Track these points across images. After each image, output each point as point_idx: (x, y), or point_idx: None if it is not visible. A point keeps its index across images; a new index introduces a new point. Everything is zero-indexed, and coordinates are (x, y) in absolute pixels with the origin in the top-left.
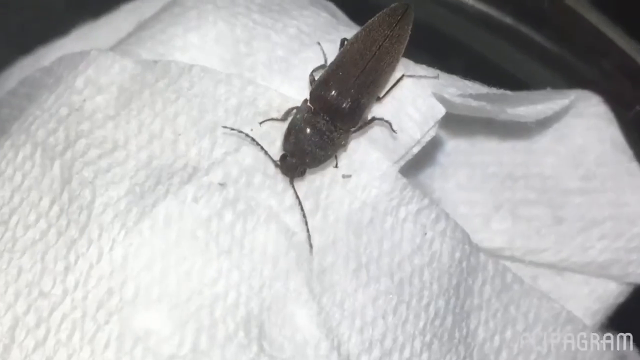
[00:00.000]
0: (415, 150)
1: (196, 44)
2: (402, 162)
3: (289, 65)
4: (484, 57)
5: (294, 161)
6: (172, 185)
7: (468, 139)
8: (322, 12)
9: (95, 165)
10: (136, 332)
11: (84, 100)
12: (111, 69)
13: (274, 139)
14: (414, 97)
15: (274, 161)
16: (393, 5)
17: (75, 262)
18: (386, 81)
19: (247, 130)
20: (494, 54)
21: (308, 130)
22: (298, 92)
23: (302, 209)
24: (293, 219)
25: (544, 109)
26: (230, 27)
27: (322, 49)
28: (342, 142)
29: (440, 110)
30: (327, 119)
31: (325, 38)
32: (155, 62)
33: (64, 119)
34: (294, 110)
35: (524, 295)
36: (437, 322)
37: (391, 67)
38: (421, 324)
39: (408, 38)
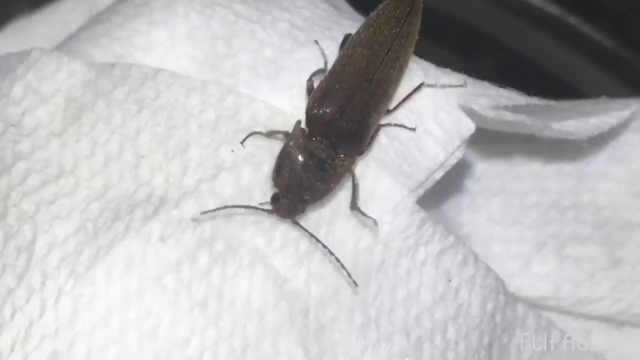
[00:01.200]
0: (438, 175)
1: (163, 42)
2: (421, 191)
3: (279, 68)
4: (522, 55)
5: (290, 200)
6: (133, 221)
7: (503, 160)
8: (320, 1)
9: (36, 196)
10: None
11: (23, 114)
12: (57, 73)
13: (261, 162)
14: (436, 110)
15: (263, 210)
16: None
17: (12, 317)
18: (395, 92)
19: (227, 150)
20: (534, 51)
21: (305, 160)
22: (291, 103)
23: (327, 248)
24: (284, 263)
25: (599, 123)
26: (206, 20)
27: (320, 49)
28: (347, 171)
29: (469, 127)
30: (327, 144)
31: (325, 35)
32: (112, 65)
33: None
34: (285, 134)
35: (573, 357)
36: None
37: (402, 73)
38: None
39: (417, 35)
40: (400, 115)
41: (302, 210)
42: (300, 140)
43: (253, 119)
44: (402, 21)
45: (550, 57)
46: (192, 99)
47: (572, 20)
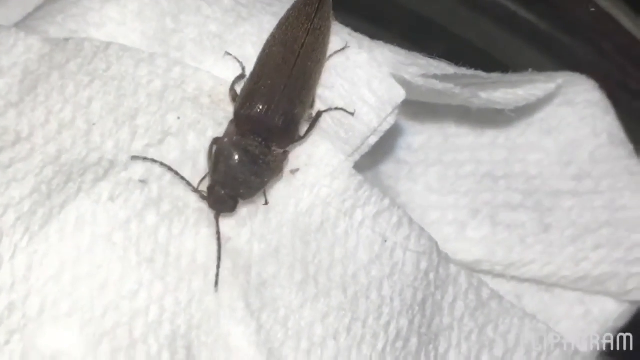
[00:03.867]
0: (372, 140)
1: (115, 19)
2: (358, 156)
3: (223, 42)
4: (461, 37)
5: (223, 193)
6: (84, 182)
7: (440, 133)
8: None
9: None
10: (42, 353)
11: None
12: (14, 48)
13: (205, 128)
14: (369, 78)
15: (197, 191)
16: None
17: None
18: (318, 81)
19: (173, 117)
20: (472, 34)
21: (239, 156)
22: (234, 74)
23: (219, 247)
24: (228, 223)
25: (525, 94)
26: None
27: (261, 23)
28: (280, 165)
29: (400, 93)
30: (260, 140)
31: (267, 10)
32: (67, 40)
33: None
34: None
35: (503, 313)
36: (399, 344)
37: (320, 65)
38: (380, 345)
39: (331, 26)
40: (336, 85)
41: (233, 209)
42: (234, 137)
43: (198, 89)
44: (313, 16)
45: (487, 39)
46: (140, 70)
47: (509, 3)
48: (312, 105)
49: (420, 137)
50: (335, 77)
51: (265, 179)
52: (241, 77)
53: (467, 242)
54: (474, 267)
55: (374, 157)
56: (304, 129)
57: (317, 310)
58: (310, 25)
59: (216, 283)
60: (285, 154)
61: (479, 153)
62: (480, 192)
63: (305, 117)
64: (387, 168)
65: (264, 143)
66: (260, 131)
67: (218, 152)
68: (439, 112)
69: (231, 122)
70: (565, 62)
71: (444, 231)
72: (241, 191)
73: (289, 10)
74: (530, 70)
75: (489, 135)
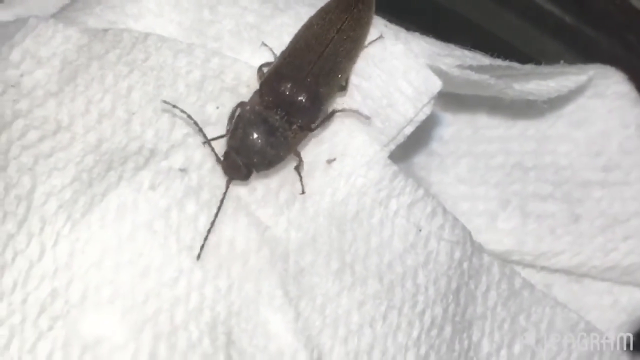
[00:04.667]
0: (408, 131)
1: (152, 10)
2: (393, 146)
3: (261, 33)
4: (487, 30)
5: (238, 159)
6: (125, 171)
7: (470, 124)
8: None
9: (35, 149)
10: (85, 339)
11: (21, 75)
12: (53, 39)
13: None
14: (406, 69)
15: (218, 157)
16: None
17: (13, 260)
18: (347, 70)
19: (212, 107)
20: (498, 26)
21: (259, 124)
22: None
23: (216, 215)
24: (266, 212)
25: (557, 86)
26: None
27: (298, 14)
28: (298, 143)
29: (437, 84)
30: (282, 114)
31: (304, 2)
32: (105, 31)
33: None
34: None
35: (535, 303)
36: (433, 332)
37: (354, 53)
38: (415, 333)
39: (371, 22)
40: (373, 75)
41: (247, 177)
42: (257, 107)
43: (236, 79)
44: (352, 8)
45: (513, 32)
46: (179, 60)
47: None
48: (344, 89)
49: (451, 128)
50: (372, 68)
51: (281, 153)
52: (269, 64)
53: (497, 233)
54: (505, 258)
55: (406, 148)
56: (327, 110)
57: (354, 298)
58: (348, 15)
59: (198, 257)
60: (304, 134)
61: (509, 144)
62: (510, 183)
63: (332, 100)
64: (419, 159)
65: (285, 118)
66: (283, 104)
67: (239, 117)
68: (468, 103)
69: (256, 92)
70: (591, 54)
71: (474, 222)
72: (255, 160)
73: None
74: (561, 62)
75: (519, 127)
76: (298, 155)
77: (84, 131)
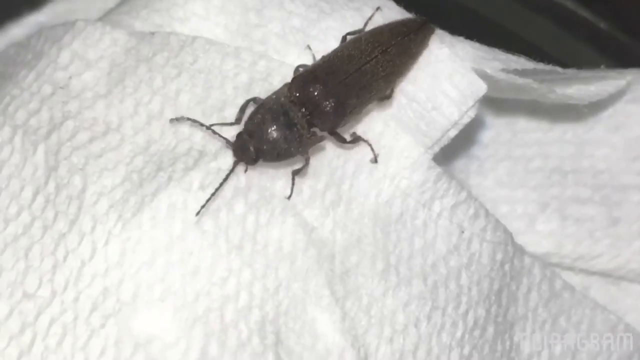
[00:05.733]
0: (452, 133)
1: (199, 13)
2: (437, 149)
3: (307, 36)
4: (521, 37)
5: (249, 143)
6: (175, 172)
7: (509, 128)
8: None
9: (85, 150)
10: (136, 337)
11: (70, 77)
12: (100, 42)
13: None
14: (451, 72)
15: (227, 140)
16: (411, 17)
17: (65, 259)
18: (382, 91)
19: None
20: (532, 34)
21: (280, 115)
22: None
23: (217, 189)
24: (312, 213)
25: (597, 90)
26: None
27: (344, 18)
28: (310, 145)
29: (482, 87)
30: (305, 113)
31: (349, 6)
32: (152, 34)
33: (48, 98)
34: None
35: (575, 304)
36: (476, 333)
37: (390, 79)
38: (459, 333)
39: (419, 55)
40: (419, 78)
41: (254, 162)
42: (282, 99)
43: (283, 81)
44: (404, 36)
45: (548, 39)
46: (226, 63)
47: (568, 3)
48: (387, 98)
49: (490, 132)
50: (417, 71)
51: (292, 149)
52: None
53: (536, 235)
54: (543, 260)
55: (445, 151)
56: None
57: (399, 298)
58: (398, 41)
59: (197, 213)
60: (320, 138)
61: (548, 148)
62: (549, 187)
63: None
64: (458, 162)
65: (307, 117)
66: (308, 104)
67: (262, 103)
68: (507, 107)
69: (285, 84)
70: (623, 61)
71: (513, 225)
72: (265, 147)
73: (388, 23)
74: (602, 66)
75: (557, 131)
76: (307, 158)
77: (133, 132)
